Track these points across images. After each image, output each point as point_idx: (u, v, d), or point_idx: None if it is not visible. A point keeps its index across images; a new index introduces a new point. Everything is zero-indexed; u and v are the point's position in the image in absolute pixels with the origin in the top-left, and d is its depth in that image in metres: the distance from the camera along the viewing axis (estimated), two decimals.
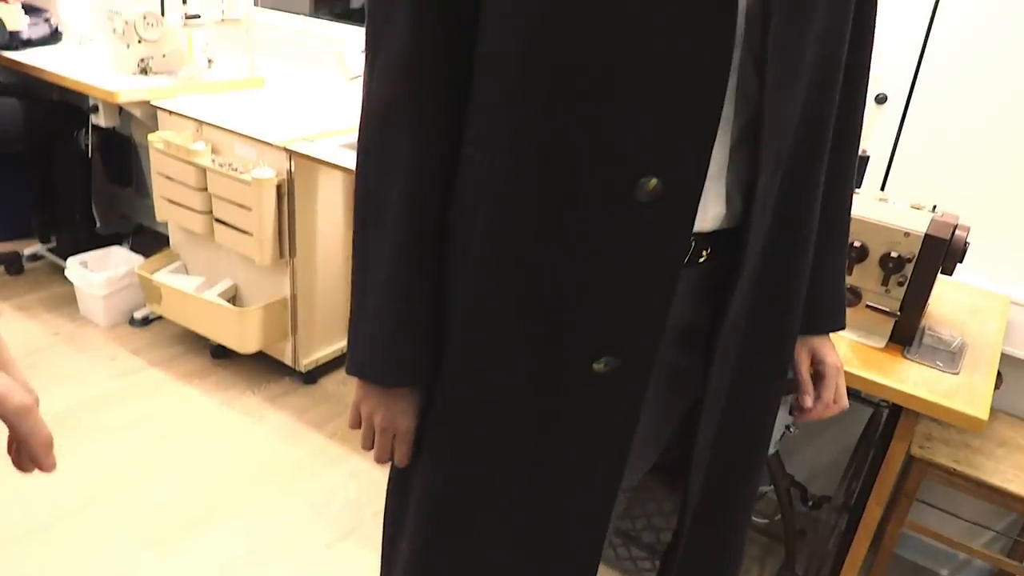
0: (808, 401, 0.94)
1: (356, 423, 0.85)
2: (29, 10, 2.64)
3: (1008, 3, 1.48)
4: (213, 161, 2.15)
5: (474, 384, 0.78)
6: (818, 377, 0.94)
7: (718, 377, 0.83)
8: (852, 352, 1.30)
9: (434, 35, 0.70)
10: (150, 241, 2.99)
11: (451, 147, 0.74)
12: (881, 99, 1.62)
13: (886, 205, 1.33)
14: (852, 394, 1.65)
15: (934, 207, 1.32)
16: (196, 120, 2.20)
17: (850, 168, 0.90)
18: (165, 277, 2.38)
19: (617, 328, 0.74)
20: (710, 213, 0.75)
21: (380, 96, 0.73)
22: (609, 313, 0.74)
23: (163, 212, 2.35)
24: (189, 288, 2.31)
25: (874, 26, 0.85)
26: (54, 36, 2.70)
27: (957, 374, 1.26)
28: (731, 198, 0.76)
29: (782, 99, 0.72)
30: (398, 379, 0.79)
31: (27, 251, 2.94)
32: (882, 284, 1.30)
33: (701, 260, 0.78)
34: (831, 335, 0.95)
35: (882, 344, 1.32)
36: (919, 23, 1.53)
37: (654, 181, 0.68)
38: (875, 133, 1.55)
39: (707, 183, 0.72)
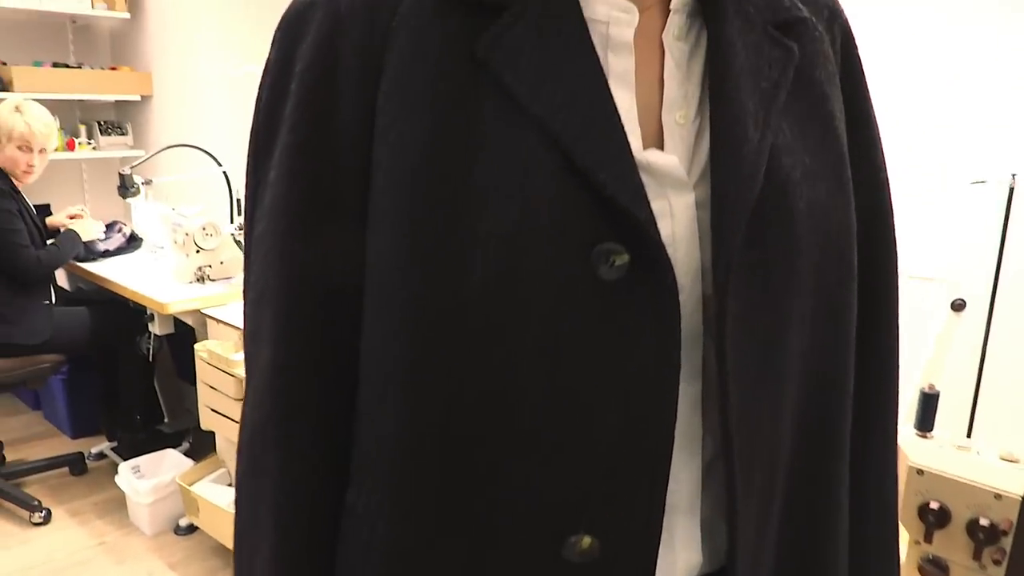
0: None
1: None
2: (107, 225, 2.83)
3: None
4: None
5: None
6: None
7: None
8: None
9: (302, 356, 0.54)
10: (212, 439, 2.96)
11: (332, 492, 0.56)
12: (958, 305, 1.39)
13: (969, 456, 1.07)
14: None
15: None
16: (238, 329, 2.19)
17: (889, 429, 0.67)
18: (204, 487, 2.30)
19: None
20: (681, 562, 0.55)
21: (250, 423, 0.58)
22: None
23: (207, 421, 2.31)
24: (223, 502, 2.21)
25: (896, 290, 0.66)
26: (131, 245, 2.85)
27: None
28: (712, 532, 0.56)
29: (755, 407, 0.53)
30: None
31: (94, 449, 2.98)
32: (974, 558, 1.02)
33: None
34: None
35: None
36: (995, 218, 1.32)
37: (587, 539, 0.50)
38: (952, 357, 1.29)
39: (673, 519, 0.53)
